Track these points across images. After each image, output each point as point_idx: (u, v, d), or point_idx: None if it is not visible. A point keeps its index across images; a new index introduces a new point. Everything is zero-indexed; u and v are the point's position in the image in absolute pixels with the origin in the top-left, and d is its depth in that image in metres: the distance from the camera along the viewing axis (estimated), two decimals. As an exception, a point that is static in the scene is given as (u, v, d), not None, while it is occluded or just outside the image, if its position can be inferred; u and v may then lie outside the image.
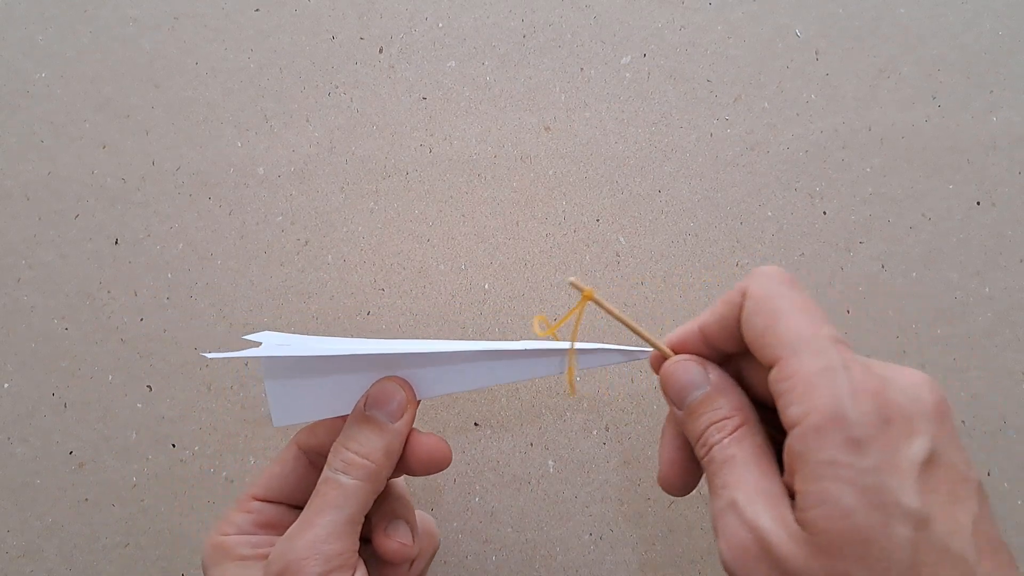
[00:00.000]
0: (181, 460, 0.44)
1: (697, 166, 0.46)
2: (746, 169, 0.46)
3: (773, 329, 0.26)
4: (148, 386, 0.45)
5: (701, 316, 0.30)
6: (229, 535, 0.33)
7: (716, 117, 0.46)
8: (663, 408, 0.44)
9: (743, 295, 0.27)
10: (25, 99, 0.47)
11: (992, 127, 0.45)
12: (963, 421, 0.44)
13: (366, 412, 0.32)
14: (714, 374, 0.29)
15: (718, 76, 0.46)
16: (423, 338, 0.45)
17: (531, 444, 0.44)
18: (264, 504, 0.34)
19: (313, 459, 0.34)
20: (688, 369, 0.30)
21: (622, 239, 0.45)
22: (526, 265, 0.45)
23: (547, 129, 0.46)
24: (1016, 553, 0.43)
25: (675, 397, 0.30)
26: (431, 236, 0.46)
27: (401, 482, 0.36)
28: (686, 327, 0.30)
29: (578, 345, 0.32)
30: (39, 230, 0.46)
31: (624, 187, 0.46)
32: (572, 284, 0.29)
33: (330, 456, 0.32)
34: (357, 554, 0.31)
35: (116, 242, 0.46)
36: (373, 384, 0.33)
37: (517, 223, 0.46)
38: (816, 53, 0.46)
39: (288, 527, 0.32)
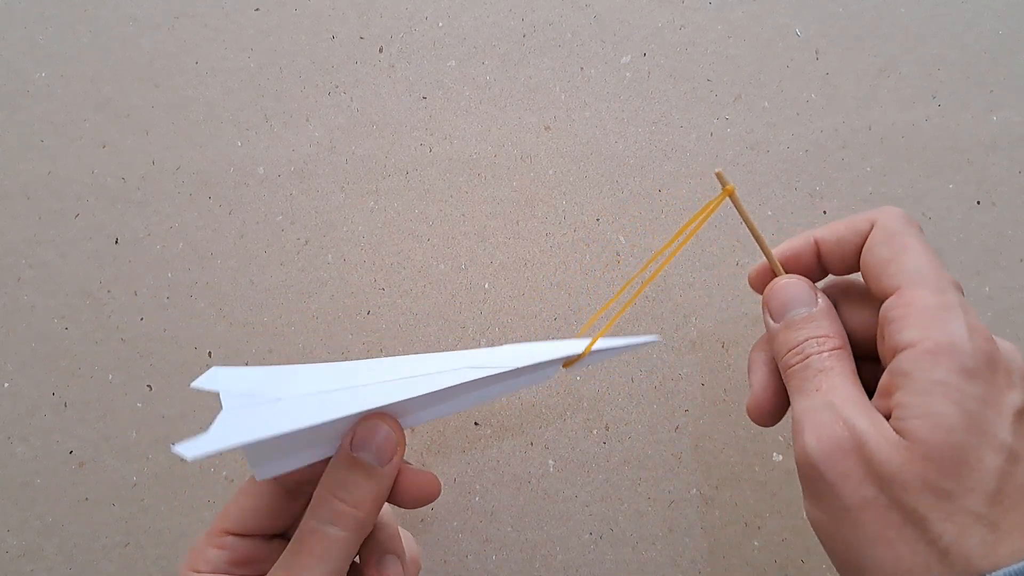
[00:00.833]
0: (181, 460, 0.44)
1: (697, 165, 0.46)
2: (746, 168, 0.46)
3: (898, 261, 0.28)
4: (148, 386, 0.45)
5: (818, 231, 0.31)
6: (203, 573, 0.31)
7: (716, 116, 0.46)
8: (663, 408, 0.44)
9: (871, 224, 0.29)
10: (25, 99, 0.47)
11: (992, 127, 0.45)
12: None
13: (353, 454, 0.30)
14: (823, 299, 0.31)
15: (718, 75, 0.46)
16: (423, 338, 0.45)
17: (531, 444, 0.44)
18: (238, 539, 0.32)
19: (288, 487, 0.32)
20: (799, 285, 0.31)
21: (622, 239, 0.45)
22: (526, 265, 0.45)
23: (547, 129, 0.46)
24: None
25: (777, 309, 0.31)
26: (431, 236, 0.46)
27: (388, 512, 0.34)
28: (801, 239, 0.32)
29: (582, 343, 0.32)
30: (39, 230, 0.46)
31: (624, 187, 0.46)
32: (717, 176, 0.31)
33: (315, 502, 0.29)
34: None
35: (116, 242, 0.46)
36: (359, 422, 0.30)
37: (517, 223, 0.46)
38: (816, 53, 0.46)
39: (264, 561, 0.30)
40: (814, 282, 0.32)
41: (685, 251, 0.45)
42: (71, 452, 0.45)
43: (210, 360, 0.45)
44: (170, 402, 0.45)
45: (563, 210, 0.46)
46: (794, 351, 0.30)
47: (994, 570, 0.23)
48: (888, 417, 0.26)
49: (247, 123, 0.47)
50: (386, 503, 0.31)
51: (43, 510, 0.44)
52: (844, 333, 0.30)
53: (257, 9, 0.48)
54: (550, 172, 0.46)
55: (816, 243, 0.31)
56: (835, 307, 0.31)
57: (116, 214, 0.46)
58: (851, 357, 0.29)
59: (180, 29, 0.48)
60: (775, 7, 0.47)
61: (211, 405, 0.45)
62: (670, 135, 0.46)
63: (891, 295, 0.27)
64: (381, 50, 0.47)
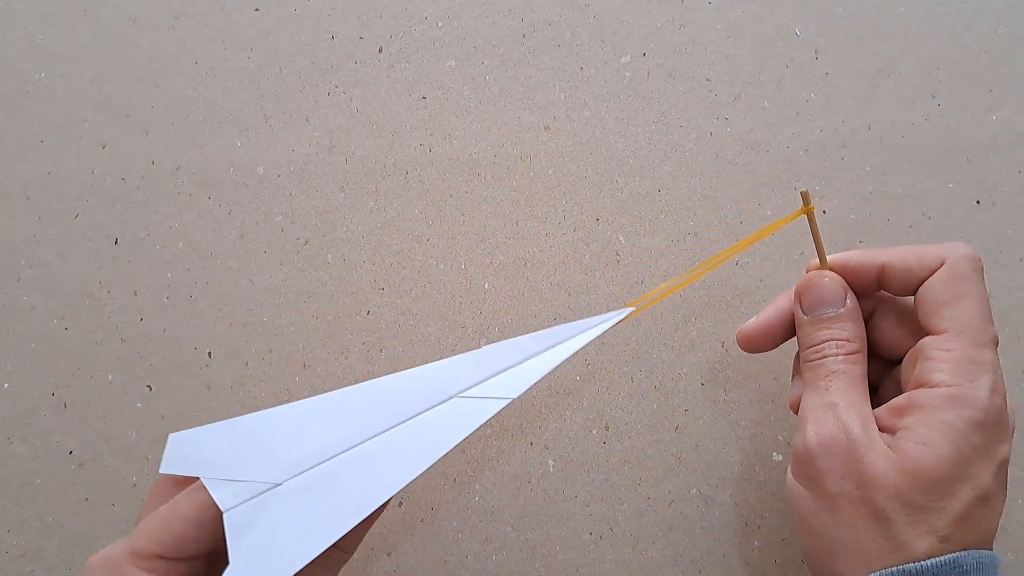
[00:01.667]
0: (181, 460, 0.44)
1: (697, 165, 0.46)
2: (746, 168, 0.46)
3: (953, 307, 0.30)
4: (148, 386, 0.45)
5: (885, 254, 0.33)
6: None
7: (716, 116, 0.46)
8: (663, 408, 0.44)
9: (940, 262, 0.31)
10: (25, 99, 0.47)
11: (992, 126, 0.45)
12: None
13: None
14: (851, 301, 0.33)
15: (718, 75, 0.46)
16: (422, 338, 0.45)
17: (531, 444, 0.44)
18: (172, 563, 0.29)
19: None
20: (832, 287, 0.33)
21: (622, 239, 0.45)
22: (526, 265, 0.45)
23: (547, 128, 0.46)
24: (1017, 550, 0.43)
25: (808, 304, 0.33)
26: (431, 236, 0.46)
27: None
28: (866, 258, 0.33)
29: (583, 339, 0.33)
30: (39, 230, 0.46)
31: (624, 186, 0.46)
32: (802, 195, 0.33)
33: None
34: None
35: (116, 242, 0.46)
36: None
37: (517, 223, 0.46)
38: (816, 52, 0.46)
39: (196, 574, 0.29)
40: (863, 296, 0.34)
41: (685, 250, 0.45)
42: (71, 452, 0.45)
43: (210, 360, 0.45)
44: (170, 402, 0.45)
45: (563, 210, 0.46)
46: (814, 348, 0.33)
47: (929, 558, 0.28)
48: (892, 433, 0.30)
49: (247, 123, 0.47)
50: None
51: (43, 510, 0.44)
52: (864, 336, 0.33)
53: (257, 9, 0.48)
54: (550, 172, 0.46)
55: (882, 267, 0.33)
56: (875, 310, 0.34)
57: (116, 214, 0.46)
58: (865, 360, 0.32)
59: (180, 29, 0.48)
60: (775, 7, 0.47)
61: (211, 405, 0.45)
62: (670, 135, 0.46)
63: (936, 334, 0.30)
64: (381, 50, 0.47)
